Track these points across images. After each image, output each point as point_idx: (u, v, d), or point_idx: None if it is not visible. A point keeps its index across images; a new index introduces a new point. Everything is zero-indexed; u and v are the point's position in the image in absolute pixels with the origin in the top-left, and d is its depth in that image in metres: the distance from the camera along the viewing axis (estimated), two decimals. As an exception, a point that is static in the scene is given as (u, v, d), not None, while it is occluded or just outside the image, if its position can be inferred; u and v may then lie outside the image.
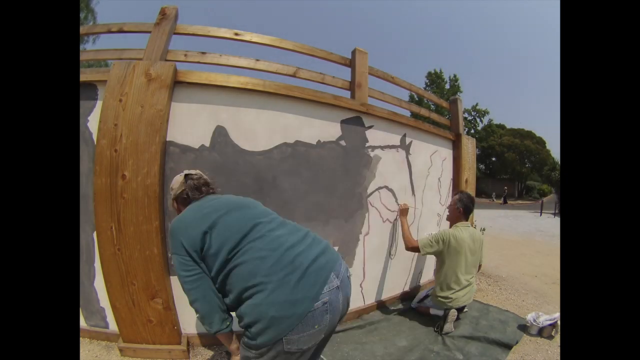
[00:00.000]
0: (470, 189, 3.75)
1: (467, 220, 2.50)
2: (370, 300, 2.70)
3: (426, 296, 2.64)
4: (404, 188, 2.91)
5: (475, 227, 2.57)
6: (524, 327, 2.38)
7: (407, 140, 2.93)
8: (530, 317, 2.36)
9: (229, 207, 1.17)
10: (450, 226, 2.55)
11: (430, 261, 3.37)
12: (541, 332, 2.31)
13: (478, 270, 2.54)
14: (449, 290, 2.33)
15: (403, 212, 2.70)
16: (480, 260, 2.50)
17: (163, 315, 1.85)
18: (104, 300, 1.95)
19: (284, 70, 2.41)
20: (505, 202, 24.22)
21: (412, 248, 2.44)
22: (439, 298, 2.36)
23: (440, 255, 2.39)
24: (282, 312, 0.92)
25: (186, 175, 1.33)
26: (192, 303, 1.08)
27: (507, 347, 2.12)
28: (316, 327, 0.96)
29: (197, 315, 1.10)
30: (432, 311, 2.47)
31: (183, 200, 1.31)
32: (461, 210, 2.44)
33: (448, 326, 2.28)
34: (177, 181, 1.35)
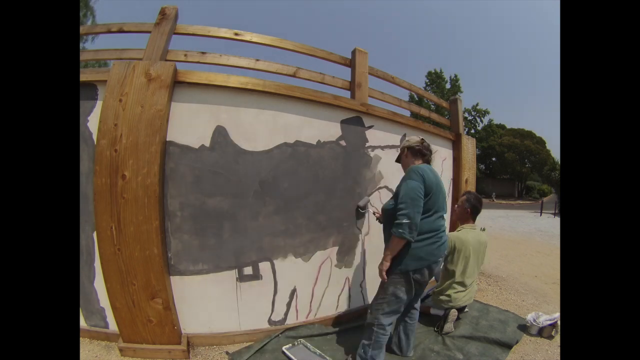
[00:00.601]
0: (471, 189, 3.75)
1: (474, 221, 2.47)
2: (371, 300, 2.70)
3: (427, 296, 2.64)
4: (404, 188, 2.91)
5: (482, 230, 2.53)
6: (524, 327, 2.38)
7: (407, 140, 2.93)
8: (530, 317, 2.36)
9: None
10: (457, 226, 2.55)
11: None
12: (541, 332, 2.31)
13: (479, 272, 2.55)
14: (451, 290, 2.34)
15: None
16: (484, 262, 2.49)
17: (163, 315, 1.85)
18: (104, 300, 1.95)
19: (284, 70, 2.41)
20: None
21: None
22: (440, 298, 2.37)
23: (445, 259, 2.38)
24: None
25: (422, 139, 1.88)
26: (405, 213, 1.55)
27: (507, 347, 2.12)
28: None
29: (403, 220, 1.55)
30: (433, 311, 2.47)
31: (414, 151, 1.83)
32: (469, 211, 2.42)
33: (448, 326, 2.28)
34: (414, 138, 1.88)
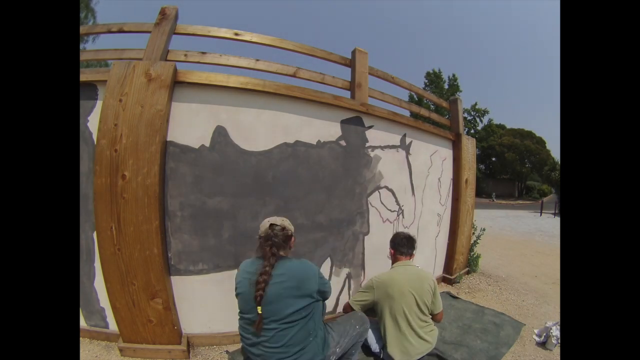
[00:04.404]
0: (470, 189, 3.75)
1: (407, 257, 2.02)
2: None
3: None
4: (404, 188, 2.91)
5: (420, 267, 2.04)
6: (518, 331, 2.34)
7: (407, 140, 2.94)
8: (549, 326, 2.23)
9: None
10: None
11: (430, 261, 3.36)
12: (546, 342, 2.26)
13: (439, 321, 2.01)
14: (394, 344, 1.84)
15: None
16: (437, 306, 1.92)
17: (163, 315, 1.85)
18: (104, 300, 1.95)
19: (284, 70, 2.41)
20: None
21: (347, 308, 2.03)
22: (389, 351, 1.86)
23: (376, 306, 1.92)
24: None
25: None
26: None
27: (500, 352, 2.10)
28: None
29: None
30: None
31: None
32: (392, 252, 2.07)
33: None
34: None
